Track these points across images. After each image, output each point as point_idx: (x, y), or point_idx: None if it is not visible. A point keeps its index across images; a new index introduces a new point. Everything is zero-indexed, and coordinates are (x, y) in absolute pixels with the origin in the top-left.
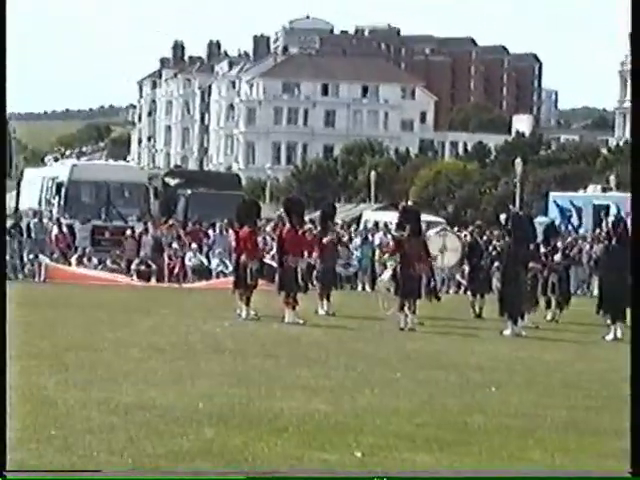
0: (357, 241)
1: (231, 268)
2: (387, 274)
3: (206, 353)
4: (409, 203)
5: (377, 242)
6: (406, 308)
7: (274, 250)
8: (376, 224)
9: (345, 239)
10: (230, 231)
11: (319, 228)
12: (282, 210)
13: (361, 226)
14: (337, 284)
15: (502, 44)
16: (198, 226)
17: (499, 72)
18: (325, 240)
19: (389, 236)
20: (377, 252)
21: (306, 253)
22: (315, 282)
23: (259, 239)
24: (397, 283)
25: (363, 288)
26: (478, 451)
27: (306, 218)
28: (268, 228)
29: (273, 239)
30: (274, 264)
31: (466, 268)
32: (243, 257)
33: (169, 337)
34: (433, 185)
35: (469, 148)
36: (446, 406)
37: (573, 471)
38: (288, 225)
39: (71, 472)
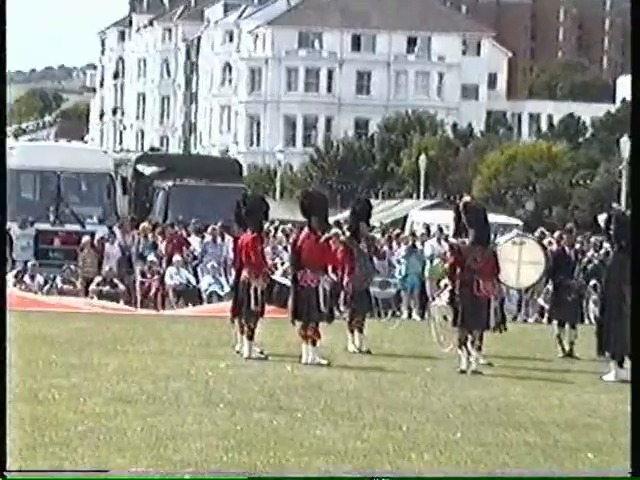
0: (401, 251)
1: (228, 288)
2: (443, 296)
3: (194, 406)
4: (472, 199)
5: (428, 252)
6: (469, 343)
7: (287, 264)
8: (427, 228)
9: (384, 248)
10: (227, 238)
11: (348, 233)
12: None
13: (406, 230)
14: (373, 310)
15: None
16: (183, 231)
17: (598, 17)
18: (357, 250)
19: (445, 244)
20: (428, 266)
21: (330, 268)
22: (343, 308)
23: (267, 249)
24: (456, 309)
25: (409, 315)
26: None
27: (331, 220)
28: (279, 234)
29: (286, 249)
30: (287, 283)
31: (551, 288)
32: (245, 273)
33: (143, 384)
34: (506, 174)
35: (556, 122)
36: (525, 478)
37: (573, 471)
38: (306, 229)
39: (73, 472)
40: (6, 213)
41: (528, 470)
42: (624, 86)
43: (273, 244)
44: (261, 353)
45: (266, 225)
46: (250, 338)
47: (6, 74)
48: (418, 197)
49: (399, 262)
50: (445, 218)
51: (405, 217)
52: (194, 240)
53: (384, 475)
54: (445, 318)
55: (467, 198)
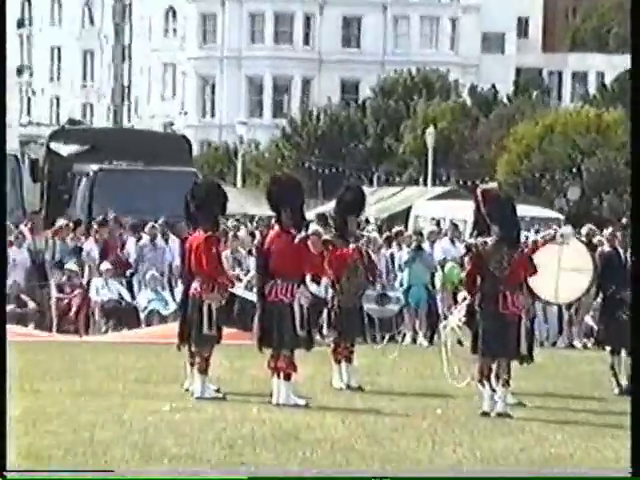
0: (403, 254)
1: (174, 306)
2: (458, 314)
3: (129, 462)
4: (496, 185)
5: (439, 256)
6: (492, 376)
7: (252, 273)
8: (437, 224)
9: (381, 251)
10: (172, 239)
11: (333, 231)
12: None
13: (410, 227)
14: (367, 333)
15: None
16: (113, 230)
17: None
18: (344, 253)
19: (460, 245)
20: (439, 274)
21: (309, 277)
22: (327, 330)
23: (225, 253)
24: (476, 330)
25: (414, 340)
26: None
27: (310, 214)
28: (241, 232)
29: (250, 252)
30: (252, 297)
31: (600, 302)
32: (195, 286)
33: (60, 434)
34: (541, 151)
35: (608, 82)
36: (525, 478)
37: (573, 471)
38: (277, 227)
39: (74, 472)
40: (5, 216)
41: (528, 470)
42: None
43: (233, 247)
44: (217, 391)
45: (224, 222)
46: (203, 371)
47: (5, 76)
48: (425, 183)
49: (401, 270)
50: (460, 211)
51: (408, 210)
52: (128, 242)
53: (384, 475)
54: (461, 343)
55: (490, 184)
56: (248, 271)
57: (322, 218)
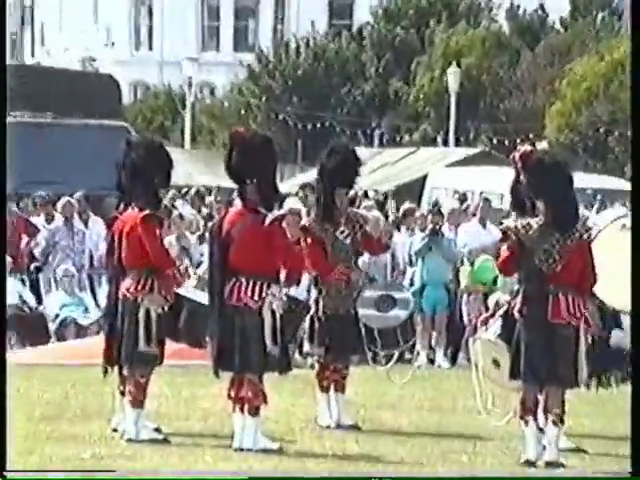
0: (414, 242)
1: (97, 313)
2: (492, 325)
3: None
4: (544, 145)
5: (465, 244)
6: (539, 410)
7: (204, 266)
8: (462, 199)
9: (384, 237)
10: (94, 219)
11: (315, 210)
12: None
13: (424, 203)
14: (365, 350)
15: None
16: (11, 208)
17: None
18: (332, 240)
19: (493, 229)
20: (465, 269)
21: (284, 273)
22: (309, 346)
23: (168, 240)
24: (516, 347)
25: (430, 359)
26: None
27: (287, 185)
28: (190, 210)
29: (203, 238)
30: (206, 300)
31: None
32: (129, 284)
33: None
34: (607, 98)
35: None
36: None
37: (573, 471)
38: (239, 203)
39: (74, 472)
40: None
41: (528, 470)
42: None
43: (179, 231)
44: (157, 431)
45: (166, 196)
46: (138, 404)
47: (6, 72)
48: (445, 143)
49: (411, 264)
50: (494, 181)
51: (422, 180)
52: (33, 225)
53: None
54: (496, 363)
55: (539, 144)
56: (199, 264)
57: (310, 190)
